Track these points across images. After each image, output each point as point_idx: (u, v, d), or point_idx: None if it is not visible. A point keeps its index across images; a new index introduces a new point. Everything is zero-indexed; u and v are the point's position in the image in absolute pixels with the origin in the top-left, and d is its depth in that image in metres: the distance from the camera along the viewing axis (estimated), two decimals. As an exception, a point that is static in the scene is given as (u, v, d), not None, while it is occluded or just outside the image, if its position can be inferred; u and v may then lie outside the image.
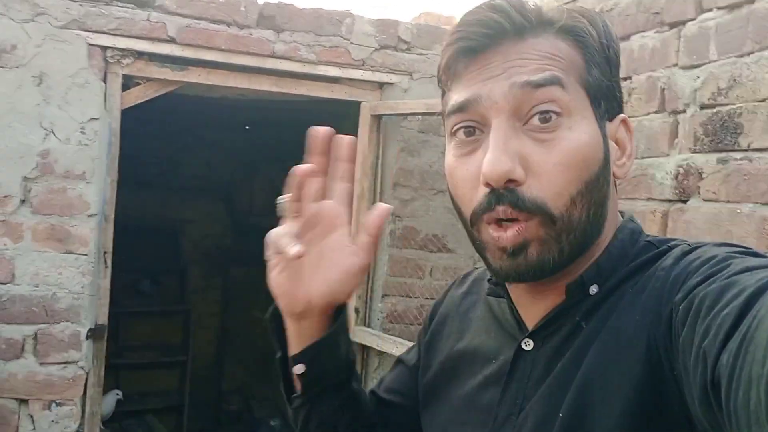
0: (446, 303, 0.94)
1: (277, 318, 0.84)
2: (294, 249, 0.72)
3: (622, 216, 0.78)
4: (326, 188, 0.79)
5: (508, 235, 0.68)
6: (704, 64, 2.05)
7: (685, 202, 2.10)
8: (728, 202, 1.94)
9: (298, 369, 0.82)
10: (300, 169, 0.75)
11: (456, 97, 0.71)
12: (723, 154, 1.96)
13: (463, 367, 0.83)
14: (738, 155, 1.92)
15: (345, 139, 0.78)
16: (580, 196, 0.68)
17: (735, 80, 1.94)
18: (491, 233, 0.70)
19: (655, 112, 2.23)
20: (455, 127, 0.72)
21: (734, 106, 1.94)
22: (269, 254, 0.78)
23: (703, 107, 2.05)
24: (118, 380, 5.34)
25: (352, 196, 0.82)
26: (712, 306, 0.53)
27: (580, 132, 0.68)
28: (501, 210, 0.67)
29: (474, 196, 0.70)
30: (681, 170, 2.10)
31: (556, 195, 0.67)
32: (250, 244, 6.23)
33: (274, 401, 5.48)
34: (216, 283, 6.48)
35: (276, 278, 0.79)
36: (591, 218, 0.69)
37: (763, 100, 1.85)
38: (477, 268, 0.91)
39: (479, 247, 0.73)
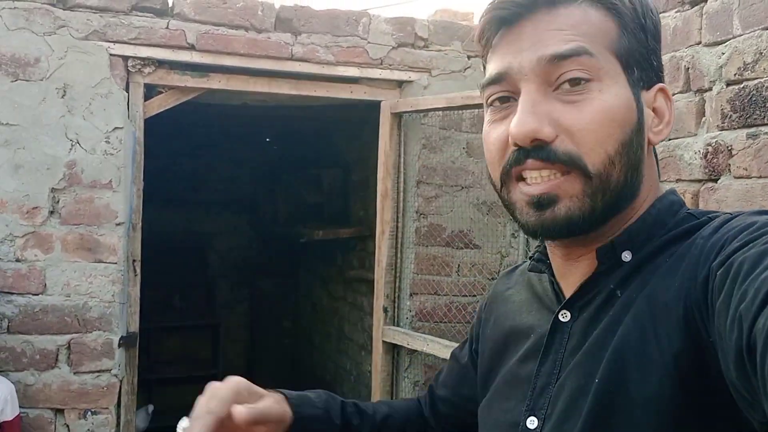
0: (492, 293, 0.97)
1: None
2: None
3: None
4: None
5: (541, 187, 0.69)
6: (728, 39, 2.02)
7: (715, 180, 2.06)
8: (760, 177, 1.90)
9: None
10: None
11: (490, 68, 0.73)
12: (753, 129, 1.93)
13: (507, 347, 0.85)
14: (768, 129, 1.88)
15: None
16: (618, 156, 0.68)
17: (761, 53, 1.91)
18: (521, 189, 0.71)
19: (680, 92, 2.20)
20: (491, 98, 0.74)
21: (762, 80, 1.90)
22: None
23: (729, 83, 2.02)
24: (151, 395, 5.37)
25: None
26: (750, 271, 0.53)
27: (610, 94, 0.68)
28: (530, 163, 0.68)
29: (504, 156, 0.72)
30: (710, 149, 2.07)
31: (590, 150, 0.67)
32: (275, 255, 6.31)
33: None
34: (243, 296, 6.51)
35: None
36: (628, 181, 0.70)
37: (792, 71, 1.81)
38: (524, 262, 0.94)
39: (510, 208, 0.74)
